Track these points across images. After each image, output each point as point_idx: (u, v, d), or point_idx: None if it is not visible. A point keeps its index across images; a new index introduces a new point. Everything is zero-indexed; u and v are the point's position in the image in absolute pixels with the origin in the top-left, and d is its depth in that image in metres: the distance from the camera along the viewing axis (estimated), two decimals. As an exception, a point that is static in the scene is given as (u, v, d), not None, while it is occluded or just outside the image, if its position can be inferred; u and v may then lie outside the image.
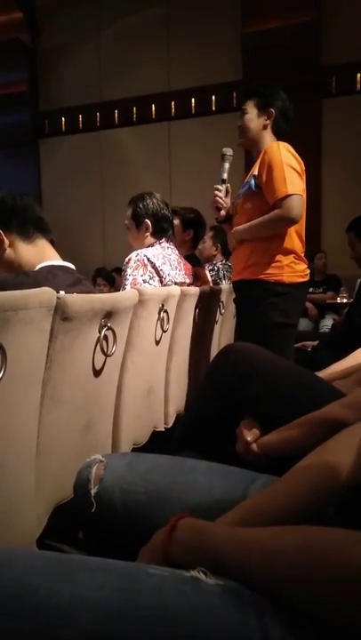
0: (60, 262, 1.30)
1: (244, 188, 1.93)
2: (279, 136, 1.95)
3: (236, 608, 0.51)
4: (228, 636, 0.50)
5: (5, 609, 0.49)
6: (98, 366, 1.09)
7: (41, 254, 1.30)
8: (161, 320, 1.48)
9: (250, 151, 2.03)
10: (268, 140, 1.92)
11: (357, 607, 0.47)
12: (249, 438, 0.99)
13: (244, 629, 0.50)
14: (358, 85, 5.19)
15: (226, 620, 0.50)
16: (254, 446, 0.98)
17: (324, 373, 1.34)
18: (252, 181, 1.87)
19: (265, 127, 1.93)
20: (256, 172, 1.85)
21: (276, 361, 1.14)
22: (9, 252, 1.31)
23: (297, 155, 1.85)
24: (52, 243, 1.36)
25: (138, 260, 1.88)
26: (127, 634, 0.48)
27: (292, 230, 1.83)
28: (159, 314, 1.47)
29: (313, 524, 0.59)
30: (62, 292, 0.93)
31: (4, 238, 1.30)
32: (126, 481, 0.82)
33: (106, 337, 1.07)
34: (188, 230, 2.68)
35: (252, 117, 1.92)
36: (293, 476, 0.67)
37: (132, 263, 1.88)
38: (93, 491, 0.82)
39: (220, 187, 2.00)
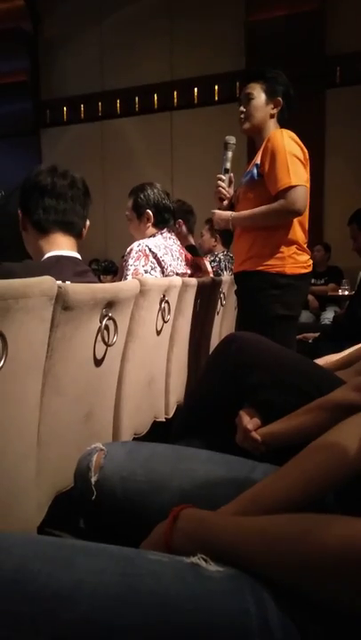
0: (67, 252, 1.27)
1: (247, 176, 1.90)
2: (281, 123, 1.90)
3: (236, 594, 0.52)
4: (227, 622, 0.50)
5: (5, 594, 0.49)
6: (99, 356, 1.09)
7: (51, 244, 1.27)
8: (162, 310, 1.48)
9: (253, 139, 1.99)
10: (272, 127, 1.87)
11: (358, 593, 0.48)
12: (249, 426, 0.99)
13: (244, 616, 0.50)
14: (363, 75, 5.15)
15: (226, 606, 0.51)
16: (254, 434, 0.98)
17: (321, 361, 1.34)
18: (255, 170, 1.84)
19: (271, 116, 1.88)
20: (259, 161, 1.83)
21: (278, 350, 1.14)
22: (24, 234, 1.30)
23: (301, 143, 1.81)
24: (79, 235, 1.31)
25: (139, 251, 1.87)
26: (127, 619, 0.48)
27: (294, 220, 1.80)
28: (160, 304, 1.47)
29: (313, 512, 0.59)
30: (68, 282, 0.92)
31: (20, 219, 1.28)
32: (126, 469, 0.82)
33: (107, 327, 1.06)
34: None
35: (260, 104, 1.86)
36: (297, 465, 0.67)
37: (133, 253, 1.87)
38: (94, 479, 0.82)
39: (222, 176, 1.97)
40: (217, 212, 1.96)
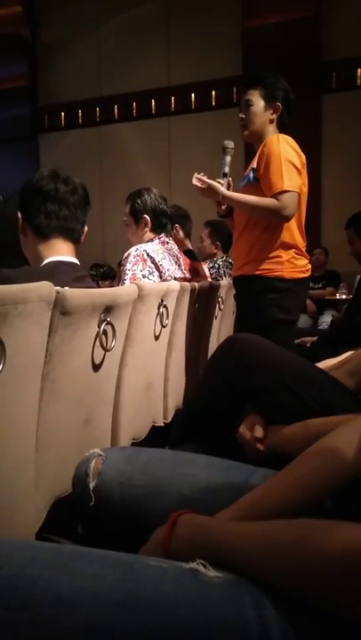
0: (66, 258, 1.27)
1: (244, 180, 1.92)
2: (281, 128, 1.91)
3: (234, 600, 0.52)
4: (226, 627, 0.50)
5: (5, 599, 0.49)
6: (97, 361, 1.09)
7: (50, 249, 1.26)
8: (160, 315, 1.48)
9: (251, 144, 2.00)
10: (272, 132, 1.87)
11: (357, 598, 0.47)
12: (250, 437, 0.99)
13: (243, 622, 0.50)
14: (359, 81, 5.18)
15: (225, 611, 0.51)
16: (260, 446, 0.98)
17: (320, 365, 1.34)
18: (251, 174, 1.85)
19: (271, 122, 1.88)
20: (255, 165, 1.84)
21: (279, 352, 1.14)
22: (22, 238, 1.30)
23: (298, 148, 1.81)
24: (78, 240, 1.30)
25: (137, 255, 1.87)
26: (126, 624, 0.48)
27: (292, 224, 1.81)
28: (158, 309, 1.47)
29: (312, 518, 0.59)
30: (67, 288, 0.93)
31: (19, 223, 1.28)
32: (125, 475, 0.82)
33: (105, 332, 1.07)
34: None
35: (259, 111, 1.86)
36: (294, 470, 0.67)
37: (131, 258, 1.87)
38: (92, 485, 0.82)
39: (221, 181, 1.97)
40: (208, 182, 1.84)
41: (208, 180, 1.85)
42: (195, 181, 1.86)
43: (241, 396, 1.08)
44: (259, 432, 0.99)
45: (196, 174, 1.87)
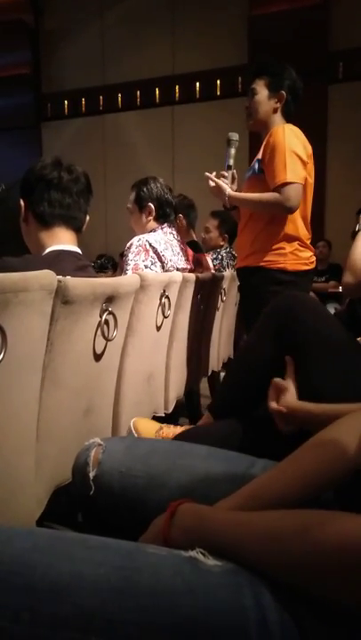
0: (69, 247, 1.26)
1: (250, 171, 1.91)
2: (288, 117, 1.89)
3: (233, 589, 0.52)
4: (225, 616, 0.50)
5: (4, 584, 0.49)
6: (98, 351, 1.09)
7: (53, 238, 1.25)
8: (162, 306, 1.48)
9: (255, 134, 1.98)
10: (278, 121, 1.86)
11: (356, 591, 0.47)
12: (274, 404, 0.98)
13: (242, 611, 0.50)
14: (366, 71, 5.13)
15: (223, 600, 0.51)
16: (281, 408, 0.96)
17: None
18: (256, 165, 1.84)
19: (275, 111, 1.87)
20: (260, 156, 1.83)
21: (330, 318, 1.16)
22: (24, 226, 1.29)
23: (305, 138, 1.80)
24: (80, 229, 1.29)
25: (140, 245, 1.87)
26: (124, 611, 0.49)
27: (296, 216, 1.80)
28: (160, 299, 1.46)
29: (312, 509, 0.59)
30: (69, 277, 0.92)
31: (22, 211, 1.27)
32: (125, 464, 0.82)
33: (107, 321, 1.06)
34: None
35: (263, 99, 1.86)
36: (296, 461, 0.67)
37: (133, 248, 1.86)
38: (92, 474, 0.82)
39: (225, 173, 1.96)
40: (217, 180, 1.88)
41: (217, 180, 1.87)
42: (208, 175, 1.89)
43: (284, 350, 1.07)
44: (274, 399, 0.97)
45: (207, 173, 1.90)
